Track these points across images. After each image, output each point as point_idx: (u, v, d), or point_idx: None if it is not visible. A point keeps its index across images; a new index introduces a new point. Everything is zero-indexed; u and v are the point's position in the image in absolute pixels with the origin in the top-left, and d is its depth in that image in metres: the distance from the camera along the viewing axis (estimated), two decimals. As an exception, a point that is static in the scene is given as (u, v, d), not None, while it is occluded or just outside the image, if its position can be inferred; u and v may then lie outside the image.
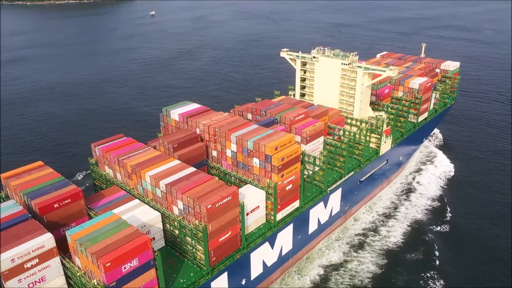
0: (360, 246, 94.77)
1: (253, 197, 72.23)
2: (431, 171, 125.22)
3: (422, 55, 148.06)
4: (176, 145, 77.48)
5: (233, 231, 67.26)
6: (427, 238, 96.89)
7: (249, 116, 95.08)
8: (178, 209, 66.17)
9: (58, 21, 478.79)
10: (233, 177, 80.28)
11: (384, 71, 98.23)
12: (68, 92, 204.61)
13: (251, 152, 75.03)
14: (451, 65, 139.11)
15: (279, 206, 75.69)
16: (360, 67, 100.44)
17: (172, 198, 66.43)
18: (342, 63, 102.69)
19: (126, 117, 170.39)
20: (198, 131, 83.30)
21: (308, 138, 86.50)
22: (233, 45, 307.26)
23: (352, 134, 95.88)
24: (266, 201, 74.77)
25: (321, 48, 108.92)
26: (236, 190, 65.68)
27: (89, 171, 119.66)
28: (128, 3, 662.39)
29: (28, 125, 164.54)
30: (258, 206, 73.26)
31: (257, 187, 75.14)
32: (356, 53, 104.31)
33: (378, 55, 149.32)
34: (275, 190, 72.92)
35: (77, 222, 63.13)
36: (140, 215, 66.33)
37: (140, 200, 71.16)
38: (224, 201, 63.41)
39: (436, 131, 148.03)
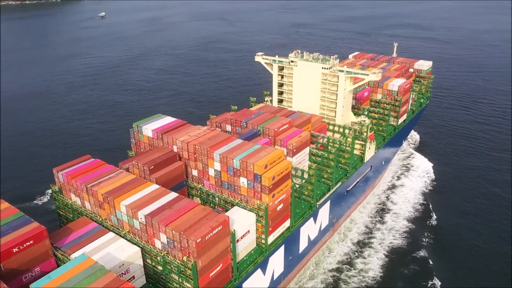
0: (335, 284, 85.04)
1: (242, 222, 65.29)
2: (407, 185, 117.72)
3: (394, 54, 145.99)
4: (152, 166, 69.10)
5: (224, 262, 60.16)
6: (406, 271, 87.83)
7: (228, 127, 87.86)
8: (161, 242, 58.22)
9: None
10: (217, 198, 72.96)
11: (368, 74, 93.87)
12: (7, 107, 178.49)
13: (237, 171, 67.99)
14: (425, 64, 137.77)
15: (270, 229, 69.27)
16: (342, 71, 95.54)
17: (153, 230, 58.37)
18: (322, 67, 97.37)
19: (86, 134, 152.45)
20: (175, 149, 75.18)
21: (294, 150, 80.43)
22: (190, 49, 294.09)
23: (338, 142, 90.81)
24: (256, 224, 68.09)
25: (299, 51, 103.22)
26: (227, 218, 58.58)
27: (45, 196, 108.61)
28: (75, 4, 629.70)
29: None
30: (249, 231, 66.49)
31: (246, 209, 68.26)
32: (336, 56, 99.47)
33: (350, 56, 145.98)
34: (267, 212, 66.34)
35: (42, 266, 54.06)
36: (117, 251, 57.82)
37: (115, 233, 62.49)
38: (214, 231, 56.19)
39: (412, 133, 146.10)
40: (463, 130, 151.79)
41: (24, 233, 53.13)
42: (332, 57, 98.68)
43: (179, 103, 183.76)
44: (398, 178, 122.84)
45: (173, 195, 63.39)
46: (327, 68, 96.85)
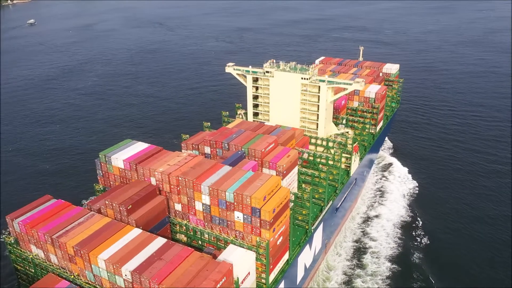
0: None
1: (242, 263, 56.50)
2: (384, 215, 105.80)
3: (361, 58, 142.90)
4: (130, 206, 58.89)
5: (228, 317, 51.52)
6: None
7: (207, 149, 78.70)
8: (154, 303, 48.56)
9: None
10: (206, 235, 63.98)
11: (351, 84, 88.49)
12: None
13: (231, 204, 59.53)
14: (393, 68, 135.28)
15: (271, 266, 61.44)
16: (323, 81, 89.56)
17: (142, 289, 48.60)
18: (302, 78, 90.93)
19: (34, 167, 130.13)
20: (153, 181, 65.29)
21: (285, 172, 72.99)
22: (132, 59, 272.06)
23: (325, 158, 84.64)
24: (255, 263, 59.93)
25: (274, 61, 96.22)
26: (231, 267, 50.08)
27: None
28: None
29: None
30: (249, 273, 58.11)
31: (243, 246, 59.86)
32: (315, 65, 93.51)
33: (317, 61, 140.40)
34: (268, 249, 58.44)
35: None
36: (98, 319, 47.59)
37: (92, 292, 51.96)
38: (218, 286, 47.44)
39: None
40: (432, 135, 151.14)
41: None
42: (311, 66, 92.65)
43: (137, 124, 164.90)
44: (372, 206, 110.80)
45: (161, 241, 53.82)
46: (307, 79, 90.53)
